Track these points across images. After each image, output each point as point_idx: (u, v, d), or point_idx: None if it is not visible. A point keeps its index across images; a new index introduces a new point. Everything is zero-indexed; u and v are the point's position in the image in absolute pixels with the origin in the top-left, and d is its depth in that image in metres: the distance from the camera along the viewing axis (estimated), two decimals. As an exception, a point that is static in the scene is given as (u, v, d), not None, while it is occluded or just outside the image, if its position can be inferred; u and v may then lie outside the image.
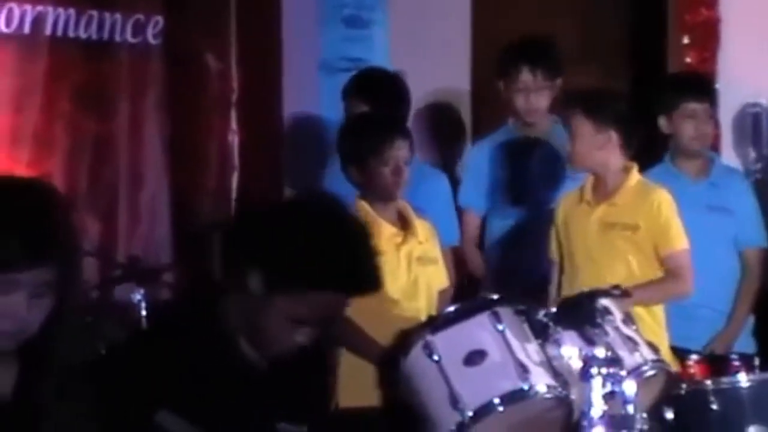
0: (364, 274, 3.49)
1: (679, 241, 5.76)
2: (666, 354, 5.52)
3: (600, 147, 5.72)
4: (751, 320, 6.21)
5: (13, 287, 2.88)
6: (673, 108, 6.17)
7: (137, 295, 5.54)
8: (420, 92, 6.46)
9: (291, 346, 3.51)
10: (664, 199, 5.76)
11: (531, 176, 6.32)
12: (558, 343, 4.70)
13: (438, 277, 5.55)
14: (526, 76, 6.19)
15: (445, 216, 5.86)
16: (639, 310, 5.57)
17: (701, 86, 6.34)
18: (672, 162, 6.24)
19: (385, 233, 5.33)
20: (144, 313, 5.53)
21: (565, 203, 5.87)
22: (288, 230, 3.49)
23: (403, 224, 5.45)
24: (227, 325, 3.51)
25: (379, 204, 5.39)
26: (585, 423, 4.52)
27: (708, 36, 7.18)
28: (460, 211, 6.21)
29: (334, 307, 3.53)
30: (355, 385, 5.20)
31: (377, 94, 6.19)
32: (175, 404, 3.40)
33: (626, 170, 5.81)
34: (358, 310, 4.91)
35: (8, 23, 6.21)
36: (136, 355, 3.49)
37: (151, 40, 6.58)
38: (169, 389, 3.40)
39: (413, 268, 5.41)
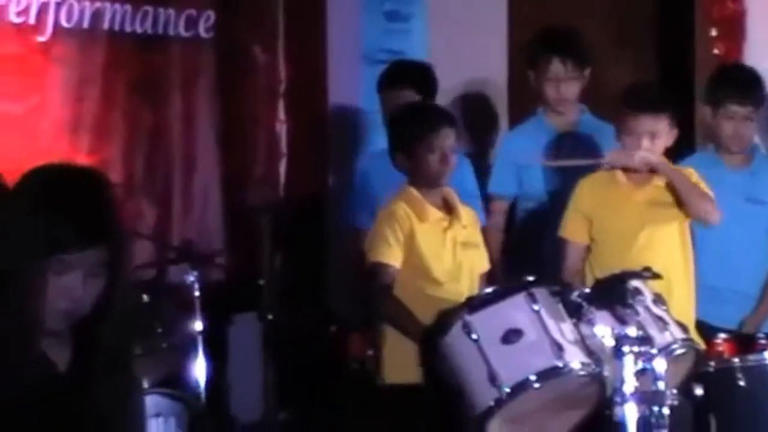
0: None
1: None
2: (693, 332, 5.45)
3: (669, 140, 5.72)
4: None
5: (68, 268, 2.89)
6: (717, 104, 6.07)
7: (191, 277, 5.63)
8: (457, 82, 6.52)
9: None
10: (696, 176, 5.71)
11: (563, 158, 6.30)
12: (591, 323, 4.68)
13: (480, 261, 5.50)
14: (556, 66, 6.15)
15: (469, 199, 5.83)
16: (676, 286, 5.58)
17: (746, 88, 6.18)
18: (715, 150, 6.17)
19: (431, 218, 5.32)
20: (197, 293, 5.63)
21: (592, 186, 5.76)
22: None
23: (449, 210, 5.39)
24: None
25: (425, 189, 5.35)
26: (617, 399, 4.54)
27: (734, 28, 7.07)
28: (489, 197, 6.19)
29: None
30: (401, 362, 5.18)
31: (417, 80, 6.23)
32: None
33: None
34: (405, 290, 5.22)
35: (69, 18, 6.19)
36: None
37: (203, 34, 6.61)
38: None
39: (458, 252, 5.37)
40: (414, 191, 5.36)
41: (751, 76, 6.20)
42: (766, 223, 6.17)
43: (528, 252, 6.17)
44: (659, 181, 5.66)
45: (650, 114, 5.60)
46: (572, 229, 5.72)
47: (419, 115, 5.59)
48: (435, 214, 5.37)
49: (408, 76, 6.29)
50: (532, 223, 6.29)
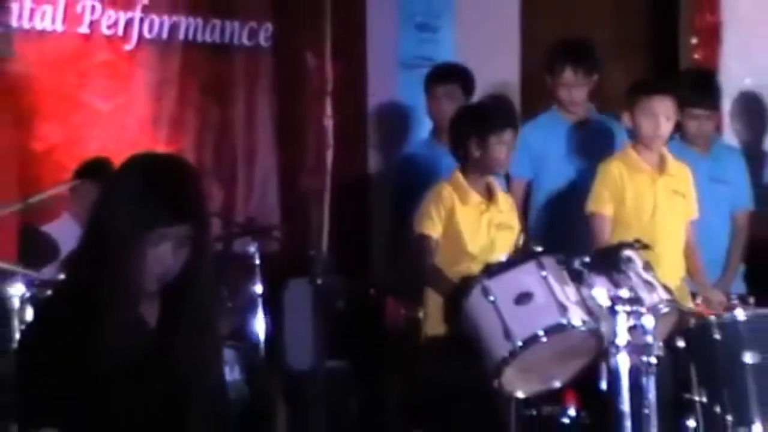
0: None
1: (696, 210, 5.79)
2: (681, 294, 5.47)
3: (672, 125, 5.70)
4: (741, 268, 6.16)
5: (162, 240, 2.94)
6: (683, 106, 5.96)
7: (252, 248, 5.59)
8: (479, 83, 6.38)
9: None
10: (690, 172, 5.76)
11: (574, 150, 6.25)
12: (590, 286, 4.74)
13: (510, 240, 5.42)
14: (568, 73, 6.12)
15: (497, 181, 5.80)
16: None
17: (708, 95, 6.17)
18: (682, 139, 6.11)
19: (472, 201, 5.32)
20: (257, 261, 5.60)
21: (620, 168, 5.65)
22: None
23: (490, 196, 5.37)
24: None
25: (472, 176, 5.33)
26: (612, 350, 4.63)
27: (712, 37, 7.10)
28: (509, 177, 6.07)
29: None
30: (440, 318, 5.19)
31: (451, 79, 6.22)
32: None
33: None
34: (443, 260, 5.22)
35: (150, 30, 6.23)
36: None
37: (263, 43, 6.56)
38: None
39: (492, 232, 5.34)
40: (461, 177, 5.33)
41: (712, 83, 6.18)
42: (729, 199, 6.18)
43: (545, 227, 6.09)
44: (673, 171, 5.64)
45: (660, 95, 5.56)
46: (602, 203, 5.59)
47: (497, 113, 5.53)
48: (475, 198, 5.34)
49: (456, 75, 6.27)
50: (547, 202, 6.19)
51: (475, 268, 5.06)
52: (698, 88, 6.14)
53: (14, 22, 5.78)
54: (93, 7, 6.03)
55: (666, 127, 5.58)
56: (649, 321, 4.67)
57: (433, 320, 5.26)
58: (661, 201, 5.61)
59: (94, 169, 5.62)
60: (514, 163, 6.05)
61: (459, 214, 5.33)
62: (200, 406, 3.13)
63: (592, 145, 6.10)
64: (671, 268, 5.37)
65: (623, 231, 5.47)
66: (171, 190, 2.99)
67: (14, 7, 5.81)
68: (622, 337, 4.64)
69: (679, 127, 6.18)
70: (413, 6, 6.93)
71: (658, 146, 5.62)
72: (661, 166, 5.62)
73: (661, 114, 5.56)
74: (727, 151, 6.45)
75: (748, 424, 5.17)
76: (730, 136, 6.86)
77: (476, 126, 5.38)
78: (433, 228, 5.28)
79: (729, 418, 5.19)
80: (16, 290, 4.26)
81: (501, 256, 5.22)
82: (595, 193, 5.59)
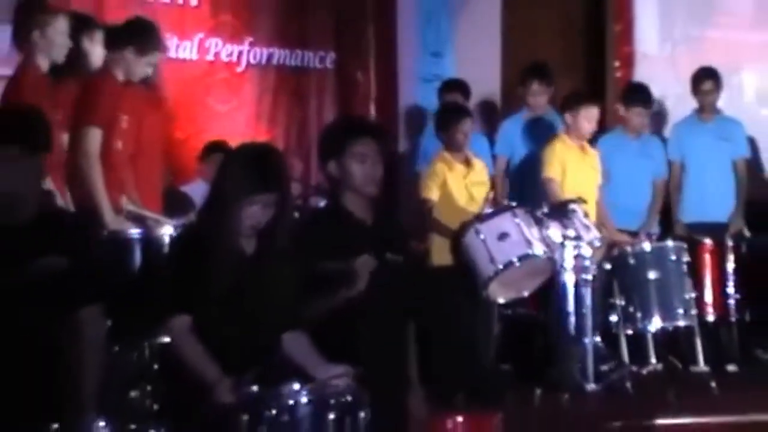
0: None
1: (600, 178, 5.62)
2: (612, 232, 5.51)
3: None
4: (657, 217, 6.06)
5: (255, 203, 3.01)
6: (628, 106, 5.91)
7: (321, 203, 4.95)
8: (474, 92, 6.42)
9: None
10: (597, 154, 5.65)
11: (535, 135, 6.14)
12: (547, 228, 4.83)
13: (484, 192, 5.43)
14: (535, 86, 6.11)
15: (484, 157, 5.80)
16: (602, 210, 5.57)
17: (646, 98, 5.99)
18: (622, 129, 6.05)
19: (456, 169, 5.29)
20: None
21: (562, 147, 5.53)
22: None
23: (468, 164, 5.36)
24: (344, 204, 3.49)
25: (454, 152, 5.33)
26: (562, 270, 4.87)
27: (628, 62, 7.04)
28: (494, 156, 6.11)
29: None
30: (440, 252, 5.16)
31: (457, 90, 6.19)
32: (329, 250, 3.30)
33: None
34: (441, 211, 5.22)
35: (254, 58, 6.27)
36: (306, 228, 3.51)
37: (328, 66, 6.58)
38: (324, 240, 3.38)
39: (470, 188, 5.34)
40: (447, 154, 5.31)
41: (647, 91, 6.11)
42: (652, 169, 6.03)
43: (518, 188, 6.02)
44: (590, 153, 5.58)
45: (587, 103, 5.52)
46: (554, 171, 5.48)
47: (453, 110, 5.50)
48: (458, 167, 5.31)
49: (458, 86, 6.23)
50: (519, 173, 6.12)
51: (462, 216, 4.96)
52: (638, 93, 6.03)
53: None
54: (216, 43, 6.11)
55: (589, 126, 5.54)
56: (587, 251, 4.83)
57: (436, 253, 5.20)
58: (584, 172, 5.57)
59: (216, 148, 5.58)
60: (497, 146, 6.15)
61: (449, 180, 5.25)
62: (279, 308, 3.10)
63: (546, 132, 5.97)
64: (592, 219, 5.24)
65: (566, 192, 5.38)
66: (260, 167, 3.05)
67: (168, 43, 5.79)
68: (569, 262, 4.80)
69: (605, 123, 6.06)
70: (428, 41, 6.80)
71: (583, 137, 5.55)
72: (583, 149, 5.59)
73: (586, 116, 5.52)
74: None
75: (650, 317, 5.31)
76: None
77: (445, 121, 5.35)
78: (431, 193, 5.23)
79: (638, 314, 5.31)
80: (166, 231, 4.16)
81: (480, 205, 5.18)
82: (547, 163, 5.49)
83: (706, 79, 6.06)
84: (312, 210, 4.96)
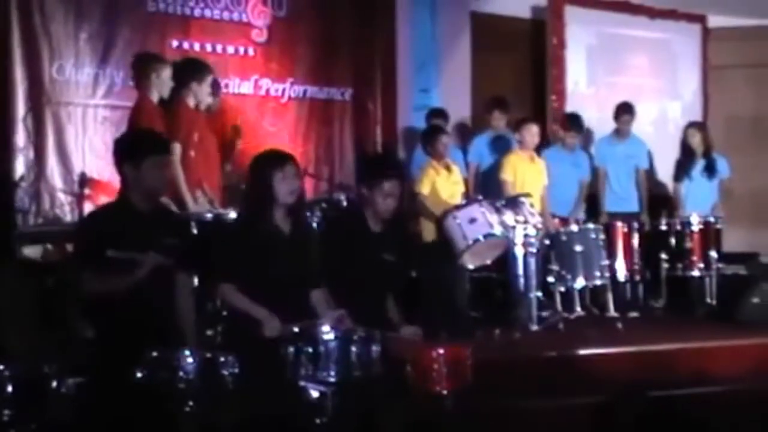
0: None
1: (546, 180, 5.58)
2: (548, 219, 5.52)
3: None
4: (583, 206, 6.07)
5: (286, 173, 3.06)
6: (565, 129, 6.01)
7: (343, 197, 5.26)
8: (452, 118, 6.34)
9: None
10: (543, 163, 5.67)
11: (496, 149, 6.13)
12: (504, 214, 4.82)
13: (460, 189, 5.42)
14: (496, 113, 6.19)
15: (459, 165, 5.72)
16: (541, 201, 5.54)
17: (578, 125, 6.03)
18: (561, 145, 6.05)
19: (441, 173, 5.31)
20: (345, 204, 5.13)
21: (515, 157, 5.57)
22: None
23: (448, 169, 5.36)
24: (363, 211, 3.44)
25: (437, 161, 5.33)
26: (514, 245, 4.85)
27: (561, 97, 7.02)
28: (467, 163, 6.08)
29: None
30: (429, 231, 5.14)
31: (440, 116, 6.11)
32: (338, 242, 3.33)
33: None
34: (429, 202, 5.20)
35: (294, 92, 6.13)
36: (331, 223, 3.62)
37: (347, 99, 6.39)
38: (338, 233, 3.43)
39: (450, 187, 5.34)
40: (434, 162, 5.30)
41: (580, 120, 6.07)
42: (580, 174, 6.05)
43: (484, 187, 5.96)
44: (537, 162, 5.56)
45: (530, 125, 5.56)
46: (510, 174, 5.52)
47: (436, 131, 5.45)
48: (442, 171, 5.29)
49: (441, 114, 6.14)
50: (485, 176, 6.10)
51: (445, 206, 4.94)
52: (573, 121, 6.02)
53: (225, 90, 5.59)
54: (267, 82, 5.98)
55: (531, 140, 5.57)
56: (532, 231, 4.83)
57: (425, 232, 5.19)
58: (532, 175, 5.63)
59: None
60: (469, 156, 6.12)
61: (436, 180, 5.24)
62: (308, 276, 3.06)
63: (504, 147, 6.01)
64: (536, 208, 5.18)
65: (517, 189, 5.41)
66: (284, 159, 3.14)
67: (227, 83, 5.65)
68: (519, 239, 4.81)
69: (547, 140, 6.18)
70: (419, 81, 6.68)
71: (530, 149, 5.57)
72: (532, 159, 5.62)
73: (529, 132, 5.58)
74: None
75: (576, 278, 5.31)
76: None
77: (429, 139, 5.30)
78: (423, 188, 5.21)
79: (568, 276, 5.31)
80: (229, 213, 4.08)
81: (458, 200, 5.16)
82: (504, 169, 5.56)
83: (625, 113, 6.16)
84: (336, 207, 4.89)
